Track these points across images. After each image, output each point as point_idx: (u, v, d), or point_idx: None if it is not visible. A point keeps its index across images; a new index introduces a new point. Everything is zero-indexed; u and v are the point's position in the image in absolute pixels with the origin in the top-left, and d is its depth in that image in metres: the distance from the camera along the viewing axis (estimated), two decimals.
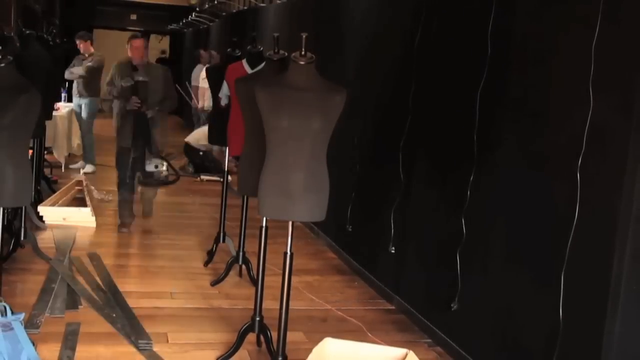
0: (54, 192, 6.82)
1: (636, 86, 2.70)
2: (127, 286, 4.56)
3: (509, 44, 3.55)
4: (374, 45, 5.31)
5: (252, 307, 3.64)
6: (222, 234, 5.25)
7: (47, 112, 6.07)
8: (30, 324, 3.77)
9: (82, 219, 6.04)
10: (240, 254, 4.83)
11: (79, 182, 7.19)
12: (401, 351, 3.18)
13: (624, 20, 2.80)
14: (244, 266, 4.91)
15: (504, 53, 3.57)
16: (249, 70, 4.70)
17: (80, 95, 8.51)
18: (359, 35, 5.61)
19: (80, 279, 4.62)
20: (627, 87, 2.75)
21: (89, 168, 8.64)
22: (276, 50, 3.90)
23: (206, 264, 5.20)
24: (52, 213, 6.04)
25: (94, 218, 6.08)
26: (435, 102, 4.27)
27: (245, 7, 11.66)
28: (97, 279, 4.65)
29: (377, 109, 5.17)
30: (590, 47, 2.87)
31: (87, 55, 8.53)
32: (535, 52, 3.35)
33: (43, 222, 5.90)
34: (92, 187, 7.20)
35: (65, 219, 6.00)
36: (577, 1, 3.11)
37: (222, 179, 5.54)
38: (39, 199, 6.19)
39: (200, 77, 9.92)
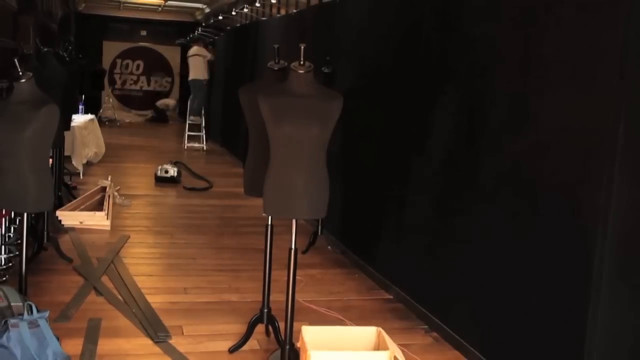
0: (74, 197, 6.82)
1: (616, 83, 2.72)
2: (143, 283, 4.57)
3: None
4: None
5: (261, 299, 3.66)
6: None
7: (66, 123, 6.08)
8: (62, 316, 3.89)
9: (97, 222, 6.06)
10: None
11: (104, 189, 7.17)
12: (372, 329, 3.22)
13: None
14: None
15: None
16: None
17: None
18: (354, 44, 5.62)
19: (104, 278, 4.66)
20: (608, 85, 2.76)
21: None
22: (277, 61, 3.91)
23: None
24: (69, 217, 6.06)
25: (108, 222, 6.10)
26: (438, 98, 4.29)
27: (248, 22, 11.68)
28: (119, 277, 4.68)
29: (382, 104, 5.13)
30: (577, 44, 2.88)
31: None
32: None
33: (62, 225, 5.92)
34: (116, 193, 7.20)
35: (81, 222, 6.02)
36: None
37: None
38: (59, 205, 6.20)
39: None
